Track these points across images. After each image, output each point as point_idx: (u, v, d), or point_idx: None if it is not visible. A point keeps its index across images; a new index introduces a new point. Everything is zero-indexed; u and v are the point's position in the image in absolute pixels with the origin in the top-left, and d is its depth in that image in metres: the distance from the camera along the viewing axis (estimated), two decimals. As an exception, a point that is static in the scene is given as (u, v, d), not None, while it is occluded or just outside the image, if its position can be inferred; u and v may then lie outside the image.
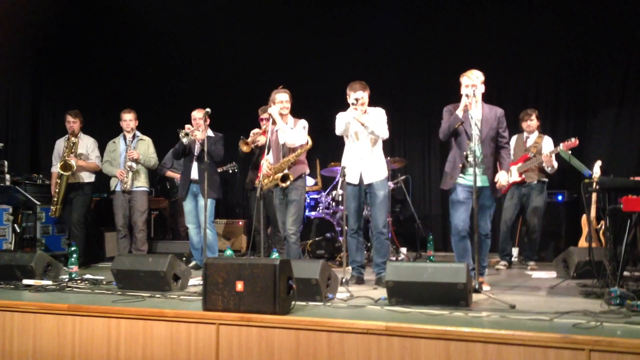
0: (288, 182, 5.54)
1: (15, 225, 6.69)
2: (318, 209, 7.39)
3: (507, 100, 7.75)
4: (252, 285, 3.67)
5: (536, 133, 6.84)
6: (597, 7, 7.61)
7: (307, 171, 5.83)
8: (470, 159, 4.81)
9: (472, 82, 4.86)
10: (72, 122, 6.90)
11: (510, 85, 8.41)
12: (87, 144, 7.00)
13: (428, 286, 3.91)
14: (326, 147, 8.28)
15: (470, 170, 4.76)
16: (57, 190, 6.79)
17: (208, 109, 5.54)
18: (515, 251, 7.17)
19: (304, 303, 4.00)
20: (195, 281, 5.16)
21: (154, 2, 8.73)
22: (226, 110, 8.31)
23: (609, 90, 7.78)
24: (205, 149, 5.61)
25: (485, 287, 4.71)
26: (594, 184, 4.98)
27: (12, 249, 6.49)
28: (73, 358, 3.97)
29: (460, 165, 4.94)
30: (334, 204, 7.31)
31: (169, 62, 9.60)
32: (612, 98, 7.73)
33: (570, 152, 6.33)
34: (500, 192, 5.02)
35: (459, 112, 4.87)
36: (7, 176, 6.88)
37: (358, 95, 5.20)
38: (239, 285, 3.69)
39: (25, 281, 4.96)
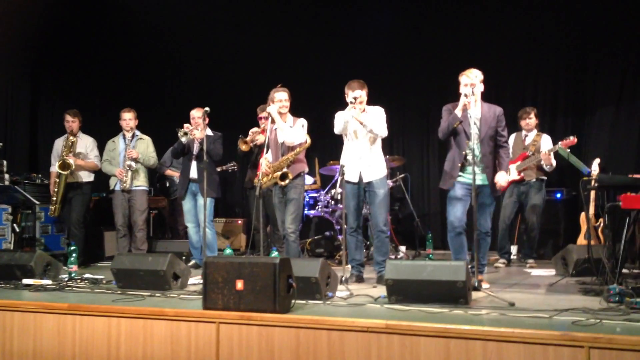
0: (287, 181, 5.54)
1: (15, 224, 6.69)
2: (317, 207, 7.40)
3: (505, 99, 7.76)
4: (252, 283, 3.68)
5: (535, 131, 6.85)
6: (596, 6, 7.61)
7: (306, 170, 5.84)
8: (470, 157, 4.83)
9: (471, 81, 4.86)
10: (71, 122, 6.90)
11: (509, 83, 8.42)
12: (86, 144, 7.00)
13: (428, 284, 3.92)
14: (325, 146, 8.29)
15: (470, 168, 4.77)
16: (55, 189, 6.78)
17: (207, 108, 5.55)
18: (514, 249, 7.18)
19: (303, 301, 4.01)
20: (195, 280, 5.17)
21: (152, 1, 8.73)
22: (225, 109, 8.33)
23: (607, 89, 7.79)
24: (205, 148, 5.61)
25: (485, 285, 4.72)
26: (593, 182, 5.00)
27: (12, 248, 6.49)
28: (73, 357, 3.98)
29: (460, 164, 4.95)
30: (333, 202, 7.31)
31: (167, 61, 9.60)
32: (610, 96, 7.74)
33: (569, 150, 6.35)
34: (499, 190, 5.03)
35: (458, 112, 4.88)
36: (6, 176, 6.88)
37: (356, 94, 5.20)
38: (239, 284, 3.70)
39: (25, 281, 4.96)
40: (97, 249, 7.62)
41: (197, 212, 6.50)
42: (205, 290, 3.79)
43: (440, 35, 8.44)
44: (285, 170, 5.57)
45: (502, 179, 4.91)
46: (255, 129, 6.48)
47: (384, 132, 5.27)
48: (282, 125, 5.56)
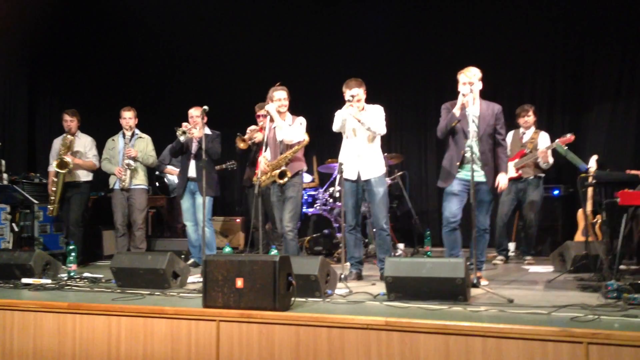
0: (285, 179, 5.55)
1: (13, 224, 6.69)
2: (315, 205, 7.40)
3: (503, 96, 7.76)
4: (252, 281, 3.68)
5: (532, 129, 6.87)
6: (593, 3, 7.64)
7: (305, 168, 5.85)
8: (468, 155, 4.84)
9: (469, 79, 4.87)
10: (70, 121, 6.89)
11: (506, 80, 8.43)
12: (84, 143, 6.99)
13: (427, 281, 3.93)
14: (323, 144, 8.30)
15: (468, 166, 4.78)
16: (54, 189, 6.78)
17: (205, 107, 5.54)
18: (512, 246, 7.20)
19: (303, 299, 4.02)
20: (194, 278, 5.18)
21: (150, 0, 8.73)
22: (223, 107, 8.31)
23: (604, 85, 7.81)
24: (203, 146, 5.61)
25: (483, 282, 4.75)
26: (590, 178, 5.02)
27: (10, 248, 6.49)
28: (74, 356, 3.98)
29: (458, 163, 4.96)
30: (331, 200, 7.32)
31: (165, 59, 9.60)
32: (607, 93, 7.76)
33: (566, 146, 6.37)
34: (498, 189, 5.05)
35: (456, 111, 4.89)
36: (5, 175, 6.88)
37: (353, 92, 5.21)
38: (239, 282, 3.71)
39: (24, 280, 4.96)
40: (95, 248, 7.63)
41: (196, 210, 6.51)
42: (205, 289, 3.80)
43: (438, 33, 8.45)
44: (283, 168, 5.58)
45: (502, 181, 4.95)
46: (253, 127, 6.49)
47: (382, 130, 5.28)
48: (281, 124, 5.57)
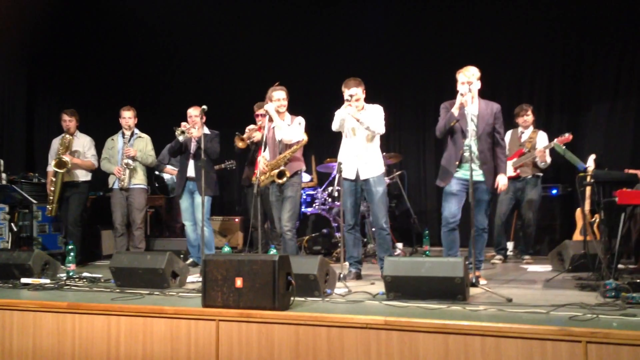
0: (284, 179, 5.56)
1: (12, 224, 6.68)
2: (314, 205, 7.41)
3: (501, 96, 7.79)
4: (251, 281, 3.69)
5: (531, 128, 6.89)
6: (591, 3, 7.65)
7: (304, 168, 5.85)
8: (467, 154, 4.85)
9: (468, 79, 4.88)
10: (68, 121, 6.89)
11: (505, 80, 8.45)
12: (83, 143, 6.99)
13: (426, 280, 3.94)
14: (322, 144, 8.31)
15: (467, 165, 4.79)
16: (52, 188, 6.77)
17: (204, 107, 5.54)
18: (510, 245, 7.22)
19: (302, 299, 4.03)
20: (194, 278, 5.19)
21: (149, 0, 8.72)
22: (222, 107, 8.31)
23: (602, 85, 7.83)
24: (202, 146, 5.62)
25: (482, 281, 4.76)
26: (589, 178, 5.03)
27: (9, 247, 6.49)
28: (73, 356, 3.98)
29: (457, 162, 4.97)
30: (330, 200, 7.33)
31: (164, 59, 9.60)
32: (605, 92, 7.79)
33: (564, 146, 6.38)
34: (498, 188, 5.06)
35: (455, 110, 4.90)
36: (3, 175, 6.88)
37: (352, 91, 5.21)
38: (239, 282, 3.71)
39: (23, 280, 4.96)
40: (94, 247, 7.63)
41: (195, 210, 6.51)
42: (204, 288, 3.80)
43: (436, 32, 8.46)
44: (282, 168, 5.58)
45: (502, 181, 4.98)
46: (252, 126, 6.49)
47: (381, 129, 5.28)
48: (280, 124, 5.58)
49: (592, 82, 7.95)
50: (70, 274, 5.32)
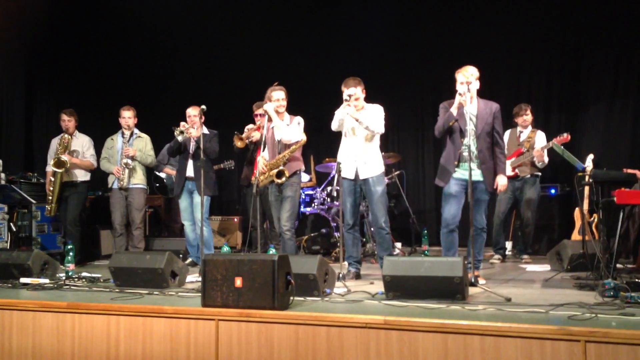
0: (283, 179, 5.56)
1: (11, 224, 6.68)
2: (313, 204, 7.42)
3: (499, 95, 7.79)
4: (251, 281, 3.69)
5: (530, 128, 6.91)
6: (589, 3, 7.67)
7: (303, 167, 5.86)
8: (466, 154, 4.86)
9: (467, 79, 4.89)
10: (67, 121, 6.89)
11: (503, 79, 8.46)
12: (82, 142, 6.99)
13: (425, 280, 3.95)
14: (320, 144, 8.32)
15: (465, 165, 4.81)
16: (51, 188, 6.77)
17: (203, 106, 5.54)
18: (509, 245, 7.23)
19: (302, 298, 4.04)
20: (193, 278, 5.20)
21: (147, 0, 8.73)
22: (221, 106, 8.32)
23: (600, 84, 7.84)
24: (201, 146, 5.62)
25: (481, 281, 4.77)
26: (587, 177, 5.04)
27: (8, 247, 6.49)
28: (73, 355, 3.99)
29: (455, 162, 4.98)
30: (328, 199, 7.34)
31: (163, 59, 9.60)
32: (603, 92, 7.80)
33: (562, 146, 6.39)
34: (497, 188, 5.08)
35: (453, 110, 4.91)
36: (2, 175, 6.87)
37: (350, 91, 5.22)
38: (238, 281, 3.71)
39: (23, 279, 4.97)
40: (93, 247, 7.62)
41: (194, 210, 6.51)
42: (204, 288, 3.81)
43: (435, 32, 8.48)
44: (281, 167, 5.59)
45: (502, 182, 5.00)
46: (250, 126, 6.49)
47: (380, 128, 5.29)
48: (279, 124, 5.58)
49: (590, 82, 7.96)
50: (70, 273, 5.32)
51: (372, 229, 7.17)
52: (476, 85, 4.97)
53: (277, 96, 5.63)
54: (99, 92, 9.22)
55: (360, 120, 5.22)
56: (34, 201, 6.90)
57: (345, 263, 5.36)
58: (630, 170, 5.28)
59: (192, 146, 6.53)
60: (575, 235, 6.35)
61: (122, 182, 6.68)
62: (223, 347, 3.67)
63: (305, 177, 7.67)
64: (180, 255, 6.56)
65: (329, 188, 7.32)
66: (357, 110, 5.27)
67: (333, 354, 3.45)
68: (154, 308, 3.89)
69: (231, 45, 9.08)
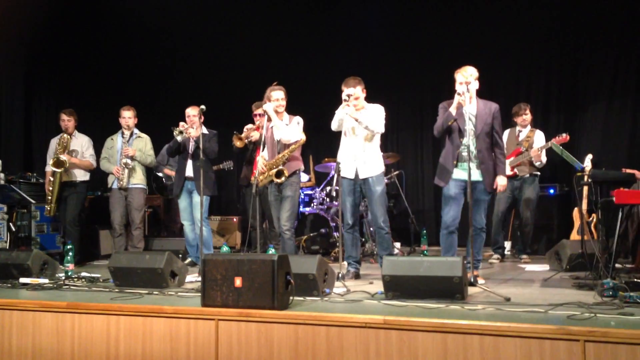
0: (283, 178, 5.57)
1: (11, 224, 6.68)
2: (312, 204, 7.43)
3: (498, 95, 7.80)
4: (250, 280, 3.70)
5: (529, 127, 6.91)
6: (588, 3, 7.68)
7: (302, 167, 5.86)
8: (465, 154, 4.87)
9: (466, 79, 4.90)
10: (67, 121, 6.90)
11: (502, 79, 8.48)
12: (81, 142, 6.99)
13: (424, 280, 3.95)
14: (319, 143, 8.33)
15: (464, 165, 4.81)
16: (50, 188, 6.77)
17: (203, 106, 5.55)
18: (507, 245, 7.23)
19: (301, 298, 4.05)
20: (192, 278, 5.20)
21: (146, 0, 8.73)
22: (220, 106, 8.33)
23: (599, 85, 7.86)
24: (200, 146, 5.62)
25: (480, 281, 4.77)
26: (586, 177, 5.05)
27: (7, 247, 6.49)
28: (73, 355, 3.99)
29: (454, 161, 4.99)
30: (328, 199, 7.34)
31: (162, 59, 9.60)
32: (602, 92, 7.81)
33: (561, 146, 6.41)
34: (497, 188, 5.09)
35: (452, 110, 4.92)
36: (2, 175, 6.87)
37: (349, 91, 5.22)
38: (238, 281, 3.72)
39: (22, 279, 4.97)
40: (92, 247, 7.63)
41: (193, 209, 6.51)
42: (204, 288, 3.81)
43: (434, 32, 8.48)
44: (281, 167, 5.59)
45: (502, 182, 5.02)
46: (250, 126, 6.49)
47: (379, 128, 5.30)
48: (278, 124, 5.58)
49: (589, 82, 7.98)
50: (69, 273, 5.32)
51: (371, 228, 7.19)
52: (475, 85, 4.98)
53: (277, 96, 5.64)
54: (98, 92, 9.22)
55: (359, 120, 5.23)
56: (33, 201, 6.91)
57: (345, 263, 5.36)
58: (629, 170, 5.29)
59: (191, 146, 6.53)
60: (574, 235, 6.36)
61: (121, 182, 6.68)
62: (223, 347, 3.67)
63: (304, 177, 7.68)
64: (180, 255, 6.56)
65: (328, 188, 7.32)
66: (357, 110, 5.27)
67: (333, 354, 3.45)
68: (154, 308, 3.89)
69: (231, 45, 9.08)
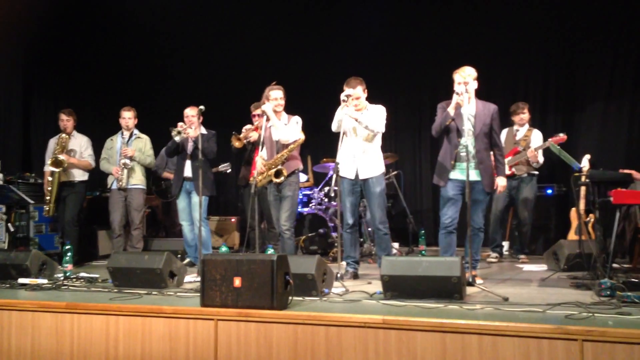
0: (282, 178, 5.57)
1: (9, 224, 6.67)
2: (311, 205, 7.43)
3: (496, 95, 7.77)
4: (249, 281, 3.71)
5: (526, 126, 6.93)
6: (585, 3, 7.70)
7: (301, 167, 5.87)
8: (463, 154, 4.88)
9: (464, 79, 4.92)
10: (66, 121, 6.89)
11: (499, 79, 8.49)
12: (80, 142, 6.99)
13: (423, 280, 3.97)
14: (318, 144, 8.32)
15: (462, 165, 4.83)
16: (49, 188, 6.77)
17: (202, 107, 5.55)
18: (505, 245, 7.25)
19: (300, 298, 4.06)
20: (191, 278, 5.21)
21: (145, 0, 8.73)
22: (219, 107, 8.34)
23: (596, 85, 7.87)
24: (199, 146, 5.63)
25: (479, 281, 4.79)
26: (584, 177, 5.07)
27: (6, 248, 6.48)
28: (72, 356, 3.99)
29: (452, 161, 5.00)
30: (326, 199, 7.35)
31: (161, 59, 9.58)
32: (599, 92, 7.83)
33: (559, 146, 6.43)
34: (496, 188, 5.10)
35: (451, 110, 4.93)
36: (0, 175, 6.86)
37: (348, 91, 5.24)
38: (237, 281, 3.73)
39: (21, 280, 4.97)
40: (91, 248, 7.62)
41: (192, 210, 6.51)
42: (203, 288, 3.82)
43: (432, 32, 8.49)
44: (280, 167, 5.60)
45: (502, 183, 5.04)
46: (248, 126, 6.49)
47: (379, 127, 5.30)
48: (276, 123, 5.59)
49: (586, 82, 8.00)
50: (68, 274, 5.32)
51: (369, 229, 7.20)
52: (474, 85, 4.99)
53: (275, 95, 5.64)
54: (97, 92, 9.20)
55: (359, 120, 5.24)
56: (31, 201, 6.89)
57: (344, 263, 5.37)
58: (626, 171, 5.31)
59: (190, 146, 6.53)
60: (572, 235, 6.38)
61: (121, 183, 6.68)
62: (222, 347, 3.68)
63: (302, 177, 7.68)
64: (178, 256, 6.56)
65: (326, 188, 7.33)
66: (358, 110, 5.29)
67: (332, 354, 3.46)
68: (153, 308, 3.90)
69: (230, 46, 9.08)
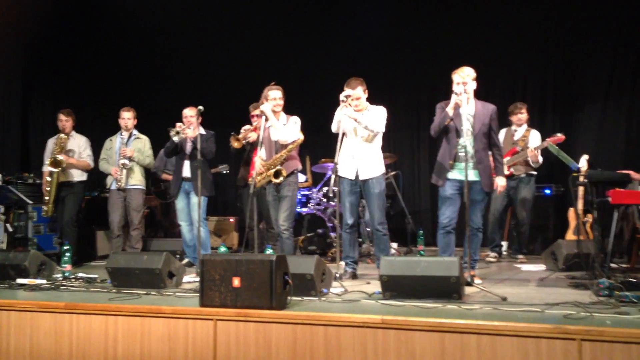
0: (281, 178, 5.58)
1: (7, 224, 6.67)
2: (309, 205, 7.44)
3: (494, 95, 7.82)
4: (248, 281, 3.71)
5: (524, 126, 6.94)
6: (584, 3, 7.71)
7: (300, 167, 5.87)
8: (462, 154, 4.89)
9: (463, 79, 4.92)
10: (65, 121, 6.89)
11: (498, 79, 8.50)
12: (79, 143, 6.99)
13: (422, 280, 3.97)
14: (316, 144, 8.32)
15: (461, 165, 4.83)
16: (48, 188, 6.77)
17: (200, 107, 5.55)
18: (504, 245, 7.26)
19: (299, 298, 4.06)
20: (190, 278, 5.21)
21: (145, 0, 8.72)
22: (217, 107, 8.34)
23: (595, 85, 7.88)
24: (198, 146, 5.63)
25: (477, 281, 4.80)
26: (582, 177, 5.08)
27: (4, 248, 6.48)
28: (71, 356, 3.99)
29: (451, 161, 5.01)
30: (325, 200, 7.35)
31: (159, 59, 9.57)
32: (598, 92, 7.84)
33: (557, 146, 6.43)
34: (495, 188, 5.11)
35: (449, 110, 4.94)
36: (-1, 175, 6.88)
37: (348, 92, 5.24)
38: (236, 281, 3.73)
39: (19, 280, 4.97)
40: (89, 248, 7.61)
41: (190, 210, 6.51)
42: (202, 288, 3.82)
43: (431, 32, 8.49)
44: (278, 167, 5.60)
45: (501, 183, 5.05)
46: (247, 127, 6.49)
47: (379, 127, 5.31)
48: (275, 124, 5.59)
49: (584, 82, 8.00)
50: (66, 274, 5.32)
51: (367, 229, 7.20)
52: (473, 85, 5.00)
53: (274, 95, 5.64)
54: (96, 92, 9.19)
55: (358, 120, 5.24)
56: (30, 202, 6.89)
57: (342, 263, 5.37)
58: (624, 171, 5.32)
59: (188, 147, 6.53)
60: (570, 235, 6.39)
61: (120, 183, 6.68)
62: (221, 347, 3.69)
63: (301, 178, 7.68)
64: (177, 256, 6.56)
65: (325, 188, 7.33)
66: (358, 110, 5.29)
67: (331, 354, 3.47)
68: (152, 308, 3.90)
69: (229, 46, 9.08)
